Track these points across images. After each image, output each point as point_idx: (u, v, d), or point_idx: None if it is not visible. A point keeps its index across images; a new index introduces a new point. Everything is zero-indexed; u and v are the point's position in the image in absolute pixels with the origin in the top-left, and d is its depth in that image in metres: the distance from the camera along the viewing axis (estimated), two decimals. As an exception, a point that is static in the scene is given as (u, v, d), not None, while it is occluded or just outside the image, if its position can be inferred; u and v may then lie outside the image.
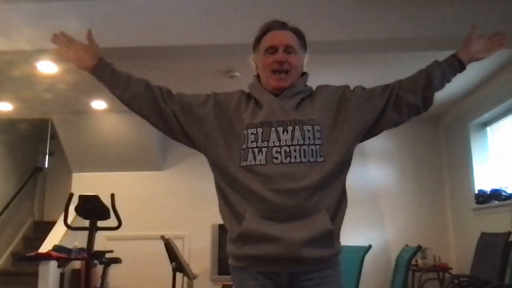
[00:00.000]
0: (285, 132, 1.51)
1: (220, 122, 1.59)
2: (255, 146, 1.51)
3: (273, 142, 1.51)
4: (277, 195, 1.47)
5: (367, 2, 3.30)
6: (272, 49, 1.60)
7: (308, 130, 1.52)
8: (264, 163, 1.49)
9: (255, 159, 1.50)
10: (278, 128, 1.52)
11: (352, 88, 1.67)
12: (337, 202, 1.56)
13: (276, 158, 1.49)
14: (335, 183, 1.55)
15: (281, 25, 1.65)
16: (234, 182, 1.54)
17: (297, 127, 1.52)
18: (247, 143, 1.53)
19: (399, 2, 3.30)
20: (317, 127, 1.53)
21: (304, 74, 1.69)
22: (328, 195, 1.53)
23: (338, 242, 1.57)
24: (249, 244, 1.49)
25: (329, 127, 1.55)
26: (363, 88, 1.67)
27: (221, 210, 1.63)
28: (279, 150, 1.50)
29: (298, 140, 1.50)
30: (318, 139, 1.52)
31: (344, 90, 1.64)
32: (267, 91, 1.62)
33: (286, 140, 1.50)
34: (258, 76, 1.69)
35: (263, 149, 1.50)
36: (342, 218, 1.59)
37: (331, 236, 1.50)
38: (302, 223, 1.46)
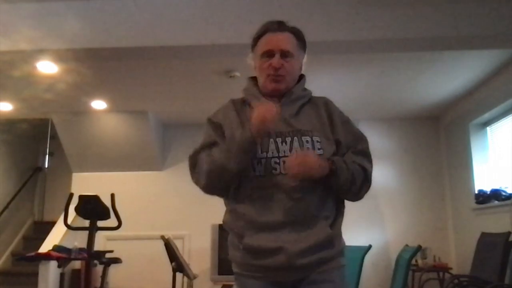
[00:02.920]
0: (283, 143, 1.50)
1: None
2: (253, 157, 1.48)
3: (272, 152, 1.48)
4: (277, 206, 1.45)
5: (367, 2, 3.30)
6: (268, 54, 1.57)
7: (307, 141, 1.50)
8: (264, 174, 1.47)
9: (254, 170, 1.48)
10: (277, 139, 1.50)
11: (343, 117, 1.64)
12: (336, 208, 1.56)
13: (275, 169, 1.47)
14: (333, 191, 1.54)
15: (278, 27, 1.60)
16: (236, 194, 1.53)
17: (295, 137, 1.50)
18: None
19: (398, 2, 3.30)
20: (316, 138, 1.52)
21: (302, 78, 1.66)
22: (327, 203, 1.52)
23: (340, 239, 1.55)
24: (253, 256, 1.48)
25: (326, 141, 1.54)
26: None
27: (224, 220, 1.61)
28: (277, 161, 1.48)
29: (296, 150, 1.48)
30: (319, 149, 1.50)
31: (338, 118, 1.62)
32: (264, 96, 1.60)
33: (284, 151, 1.48)
34: (254, 78, 1.68)
35: (262, 160, 1.48)
36: (341, 220, 1.58)
37: (331, 240, 1.49)
38: (301, 233, 1.45)
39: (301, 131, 1.52)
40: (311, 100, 1.63)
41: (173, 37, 3.37)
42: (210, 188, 1.55)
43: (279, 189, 1.46)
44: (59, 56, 3.59)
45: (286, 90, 1.59)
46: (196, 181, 1.56)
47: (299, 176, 1.43)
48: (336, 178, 1.47)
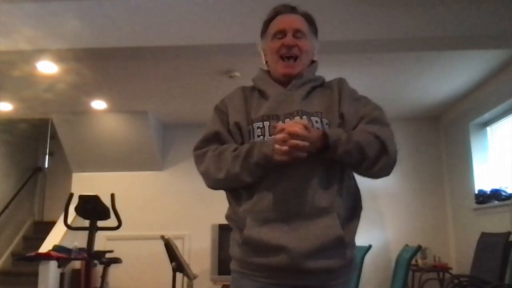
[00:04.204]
0: None
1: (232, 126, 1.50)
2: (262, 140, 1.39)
3: None
4: (281, 195, 1.35)
5: (367, 2, 3.30)
6: (281, 34, 1.51)
7: (316, 121, 1.41)
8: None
9: None
10: (286, 120, 1.40)
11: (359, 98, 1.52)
12: (350, 206, 1.43)
13: None
14: (347, 183, 1.43)
15: (291, 9, 1.57)
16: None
17: (304, 117, 1.40)
18: (253, 138, 1.43)
19: (399, 2, 3.30)
20: (325, 121, 1.42)
21: (313, 63, 1.59)
22: (339, 196, 1.39)
23: (352, 249, 1.42)
24: (253, 252, 1.38)
25: (337, 123, 1.43)
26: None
27: (227, 214, 1.52)
28: None
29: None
30: None
31: (355, 99, 1.51)
32: (276, 80, 1.53)
33: None
34: (266, 70, 1.61)
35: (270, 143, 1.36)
36: (357, 224, 1.46)
37: (342, 244, 1.36)
38: (309, 228, 1.33)
39: (309, 113, 1.42)
40: (324, 84, 1.55)
41: (173, 37, 3.36)
42: (219, 189, 1.50)
43: (285, 175, 1.36)
44: (59, 56, 3.59)
45: (298, 74, 1.51)
46: (203, 175, 1.49)
47: (287, 150, 1.27)
48: (332, 151, 1.32)
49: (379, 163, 1.38)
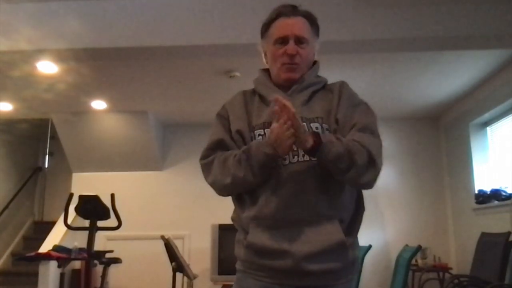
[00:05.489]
0: None
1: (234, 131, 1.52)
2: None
3: None
4: (283, 201, 1.37)
5: (367, 2, 3.30)
6: (282, 40, 1.49)
7: (316, 128, 1.41)
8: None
9: None
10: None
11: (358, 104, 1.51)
12: (352, 211, 1.45)
13: (285, 159, 1.39)
14: (349, 189, 1.43)
15: (292, 11, 1.53)
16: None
17: (304, 124, 1.39)
18: None
19: (398, 2, 3.30)
20: (326, 126, 1.43)
21: (315, 64, 1.59)
22: (342, 203, 1.41)
23: (354, 250, 1.44)
24: (257, 254, 1.41)
25: (333, 130, 1.44)
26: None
27: (232, 216, 1.55)
28: None
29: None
30: None
31: (355, 105, 1.49)
32: (276, 85, 1.53)
33: None
34: (265, 70, 1.60)
35: None
36: (359, 225, 1.48)
37: (344, 247, 1.38)
38: (311, 233, 1.36)
39: (309, 119, 1.43)
40: (325, 87, 1.55)
41: (173, 37, 3.37)
42: (227, 194, 1.51)
43: (287, 181, 1.37)
44: (59, 56, 3.59)
45: (300, 78, 1.51)
46: (212, 185, 1.50)
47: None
48: (322, 153, 1.32)
49: (367, 174, 1.37)
